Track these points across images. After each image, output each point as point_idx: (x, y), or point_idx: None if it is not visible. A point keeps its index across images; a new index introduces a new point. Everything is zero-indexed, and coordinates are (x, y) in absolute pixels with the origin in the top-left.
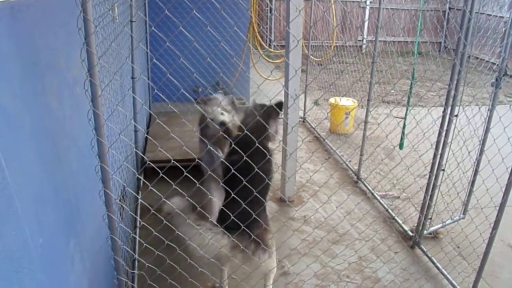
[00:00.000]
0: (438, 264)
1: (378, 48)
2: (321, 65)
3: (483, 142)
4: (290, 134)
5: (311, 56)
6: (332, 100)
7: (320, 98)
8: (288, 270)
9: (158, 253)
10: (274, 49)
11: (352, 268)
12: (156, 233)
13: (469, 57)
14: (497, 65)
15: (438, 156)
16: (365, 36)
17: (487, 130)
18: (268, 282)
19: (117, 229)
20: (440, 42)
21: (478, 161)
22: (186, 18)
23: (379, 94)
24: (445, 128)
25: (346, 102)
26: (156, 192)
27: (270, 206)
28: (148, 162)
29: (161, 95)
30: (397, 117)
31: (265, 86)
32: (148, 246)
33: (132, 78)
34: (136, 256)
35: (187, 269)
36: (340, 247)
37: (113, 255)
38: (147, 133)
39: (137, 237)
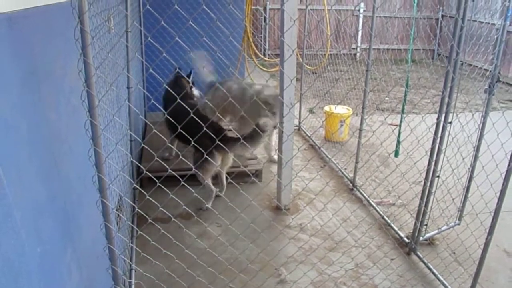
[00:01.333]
0: (434, 270)
1: (372, 56)
2: (316, 73)
3: (477, 148)
4: (285, 142)
5: (306, 65)
6: (327, 108)
7: (315, 107)
8: (285, 278)
9: (155, 262)
10: (269, 58)
11: (348, 275)
12: (153, 242)
13: (462, 64)
14: (490, 71)
15: (433, 163)
16: (359, 44)
17: (481, 137)
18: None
19: (114, 239)
20: (434, 50)
21: (473, 167)
22: (181, 28)
23: (374, 101)
24: (439, 135)
25: (341, 110)
26: (153, 201)
27: (267, 215)
28: (145, 171)
29: (157, 105)
30: (392, 125)
31: None
32: (145, 255)
33: (128, 88)
34: (133, 265)
35: (184, 278)
36: (336, 254)
37: (111, 264)
38: (143, 143)
39: (134, 246)
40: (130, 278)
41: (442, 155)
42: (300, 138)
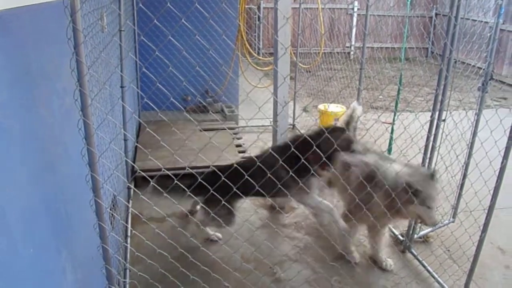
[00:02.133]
0: (428, 268)
1: (366, 54)
2: (310, 72)
3: (471, 146)
4: (279, 141)
5: (300, 63)
6: (321, 106)
7: (309, 105)
8: (279, 277)
9: (150, 261)
10: (262, 57)
11: (343, 273)
12: (147, 241)
13: (455, 62)
14: (483, 69)
15: (427, 161)
16: (353, 43)
17: (474, 134)
18: None
19: (108, 238)
20: (427, 48)
21: (466, 165)
22: (175, 27)
23: (368, 100)
24: (433, 132)
25: (335, 108)
26: (147, 200)
27: (261, 213)
28: (138, 171)
29: (151, 104)
30: (386, 123)
31: (254, 94)
32: (140, 255)
33: (122, 87)
34: (128, 265)
35: (179, 277)
36: (331, 252)
37: (105, 264)
38: (137, 142)
39: (128, 245)
40: (125, 277)
41: (435, 153)
42: None
